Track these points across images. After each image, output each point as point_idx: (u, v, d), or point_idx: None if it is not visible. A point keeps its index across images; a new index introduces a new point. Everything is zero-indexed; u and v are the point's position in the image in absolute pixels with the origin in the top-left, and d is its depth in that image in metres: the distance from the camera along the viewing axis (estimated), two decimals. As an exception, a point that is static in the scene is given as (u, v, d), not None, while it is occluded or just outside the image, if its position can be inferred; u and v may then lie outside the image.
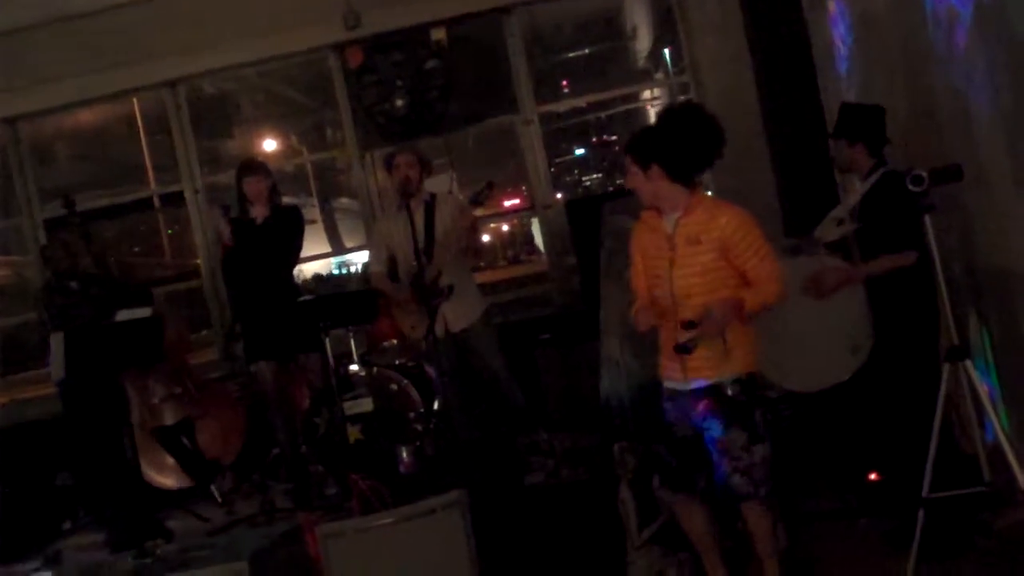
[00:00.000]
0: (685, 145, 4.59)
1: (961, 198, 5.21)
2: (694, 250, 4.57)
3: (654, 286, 4.76)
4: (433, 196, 7.39)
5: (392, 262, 7.41)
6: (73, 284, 7.99)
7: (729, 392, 4.57)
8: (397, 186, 7.26)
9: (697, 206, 4.63)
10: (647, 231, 4.82)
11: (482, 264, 8.84)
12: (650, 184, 4.64)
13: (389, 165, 7.37)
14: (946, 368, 4.72)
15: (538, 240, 11.29)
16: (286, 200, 8.10)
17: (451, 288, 6.97)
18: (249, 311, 7.56)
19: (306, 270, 12.00)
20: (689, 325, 4.43)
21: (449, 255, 7.08)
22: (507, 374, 7.43)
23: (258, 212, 7.49)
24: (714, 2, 9.20)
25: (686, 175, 4.63)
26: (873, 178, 5.52)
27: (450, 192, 7.80)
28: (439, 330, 7.01)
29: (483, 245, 7.78)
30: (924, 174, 4.58)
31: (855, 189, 5.71)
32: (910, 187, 4.58)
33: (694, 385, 4.65)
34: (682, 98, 9.98)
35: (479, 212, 7.54)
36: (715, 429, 4.59)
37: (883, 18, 6.14)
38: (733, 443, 4.57)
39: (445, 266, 7.07)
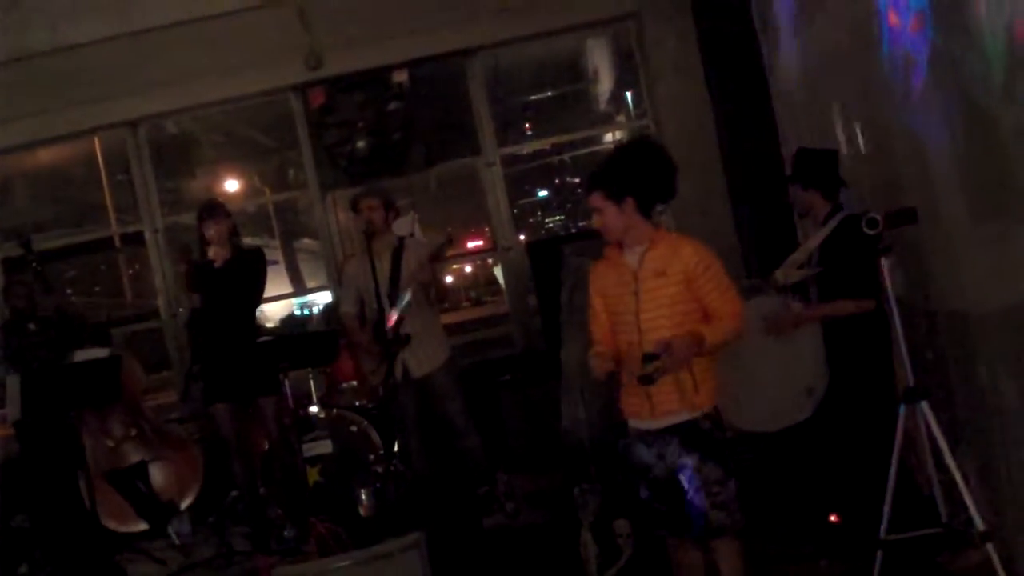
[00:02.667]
0: (655, 177, 4.65)
1: (916, 238, 5.26)
2: (660, 282, 4.57)
3: (617, 323, 4.73)
4: (401, 240, 7.39)
5: (361, 304, 7.41)
6: (31, 325, 7.93)
7: (704, 427, 4.56)
8: (361, 228, 7.26)
9: (661, 239, 4.65)
10: (609, 268, 4.80)
11: (445, 305, 8.82)
12: (624, 218, 4.63)
13: (355, 207, 7.39)
14: (903, 409, 4.75)
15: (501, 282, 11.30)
16: (248, 241, 8.06)
17: (408, 337, 6.95)
18: (209, 353, 7.51)
19: (268, 312, 11.92)
20: (650, 357, 4.40)
21: (414, 300, 7.08)
22: (465, 422, 7.38)
23: (219, 254, 7.43)
24: (673, 46, 9.27)
25: (651, 208, 4.67)
26: (832, 222, 5.57)
27: (411, 234, 7.78)
28: (399, 375, 7.01)
29: (445, 288, 7.75)
30: (879, 217, 4.63)
31: (815, 233, 5.75)
32: (865, 230, 4.63)
33: (665, 423, 4.62)
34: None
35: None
36: (690, 465, 4.56)
37: (841, 61, 6.21)
38: (709, 478, 4.54)
39: (410, 312, 7.05)
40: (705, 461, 4.55)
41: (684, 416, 4.58)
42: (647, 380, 4.40)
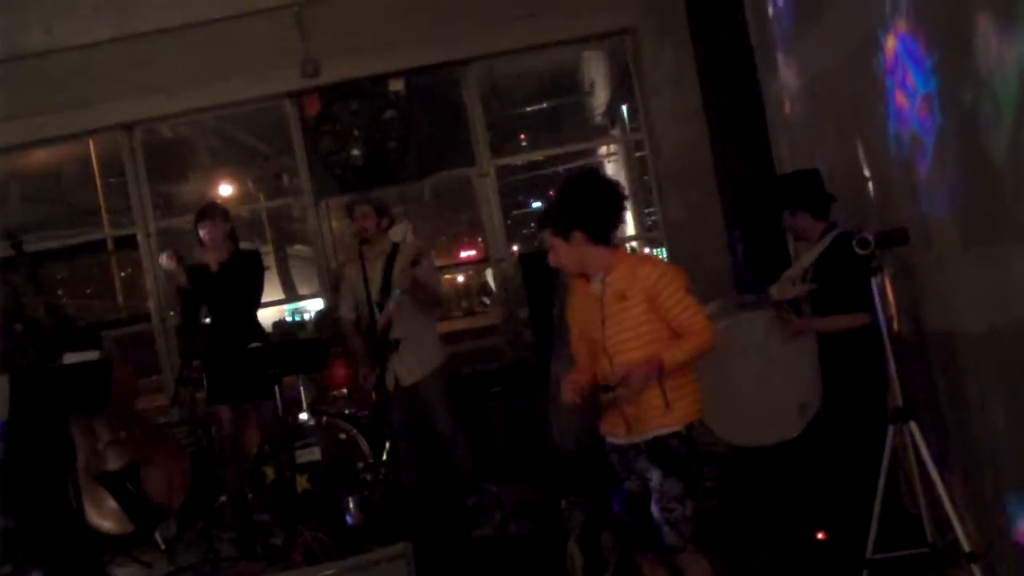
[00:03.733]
0: (600, 206, 4.70)
1: (908, 259, 5.28)
2: (622, 306, 4.62)
3: (592, 349, 4.79)
4: (395, 246, 7.39)
5: (359, 309, 7.42)
6: (18, 327, 7.90)
7: (670, 444, 4.59)
8: (354, 235, 7.28)
9: (620, 263, 4.71)
10: (579, 297, 4.88)
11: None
12: (574, 251, 4.69)
13: (350, 214, 7.41)
14: (891, 429, 4.76)
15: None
16: (242, 246, 8.04)
17: (397, 343, 6.97)
18: (212, 355, 7.51)
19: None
20: (604, 389, 4.50)
21: (404, 306, 7.07)
22: (453, 432, 7.38)
23: (215, 257, 7.45)
24: (670, 61, 9.30)
25: (605, 235, 4.71)
26: (827, 239, 5.58)
27: (403, 240, 7.78)
28: (389, 381, 7.01)
29: (437, 295, 7.74)
30: (870, 237, 4.65)
31: (809, 249, 5.77)
32: (857, 250, 4.65)
33: (637, 440, 4.67)
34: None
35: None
36: (655, 478, 4.62)
37: (835, 81, 6.23)
38: (669, 493, 4.58)
39: (400, 318, 7.06)
40: (667, 477, 4.59)
41: (654, 433, 4.62)
42: (599, 414, 4.46)
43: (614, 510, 4.86)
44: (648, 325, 4.59)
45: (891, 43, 5.19)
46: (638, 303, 4.59)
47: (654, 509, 4.60)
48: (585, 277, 4.79)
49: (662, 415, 4.58)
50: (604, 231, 4.71)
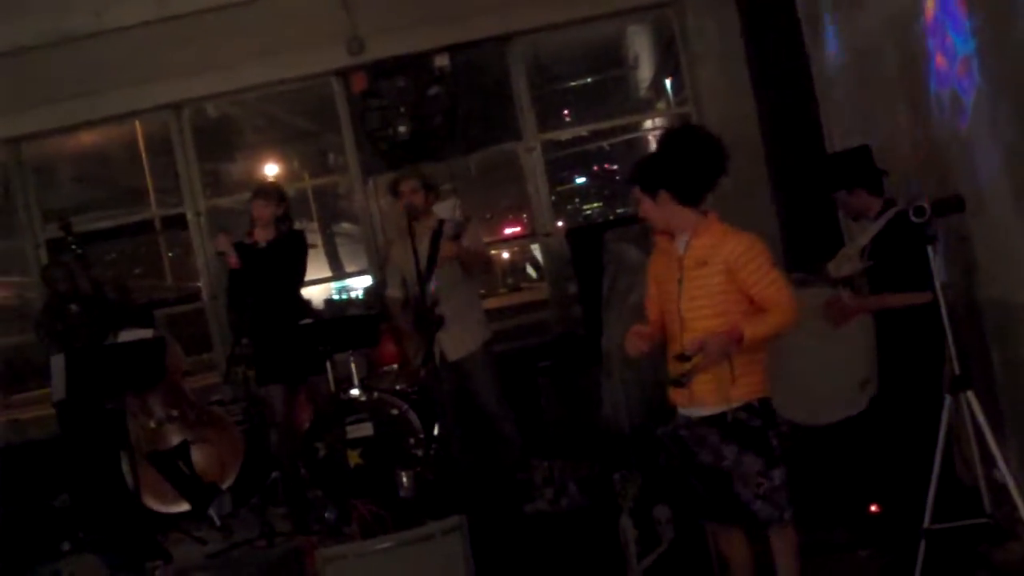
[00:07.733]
0: (689, 167, 4.58)
1: (963, 228, 5.23)
2: (701, 272, 4.54)
3: (666, 310, 4.72)
4: (442, 223, 7.38)
5: (406, 287, 7.44)
6: (73, 307, 7.99)
7: (739, 418, 4.52)
8: (403, 210, 7.28)
9: (707, 229, 4.61)
10: (661, 255, 4.81)
11: (482, 291, 8.73)
12: (660, 210, 4.62)
13: (395, 191, 7.41)
14: (948, 399, 4.72)
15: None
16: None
17: (441, 319, 6.97)
18: (256, 334, 7.57)
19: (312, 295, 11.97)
20: (682, 358, 4.39)
21: (449, 281, 7.07)
22: (500, 408, 7.35)
23: (264, 235, 7.52)
24: (716, 33, 9.24)
25: (694, 197, 4.62)
26: (885, 217, 5.53)
27: (451, 217, 7.76)
28: (436, 357, 7.00)
29: (491, 259, 7.84)
30: (926, 205, 4.60)
31: (866, 226, 5.72)
32: (912, 218, 4.60)
33: (704, 412, 4.60)
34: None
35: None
36: (729, 457, 4.55)
37: (881, 49, 6.17)
38: (750, 469, 4.53)
39: (446, 294, 7.06)
40: (744, 452, 4.53)
41: (720, 408, 4.55)
42: (677, 383, 4.40)
43: (688, 484, 4.79)
44: (724, 296, 4.51)
45: (931, 6, 5.16)
46: (718, 272, 4.50)
47: (739, 488, 4.54)
48: (670, 234, 4.72)
49: (726, 390, 4.50)
50: (693, 193, 4.61)
